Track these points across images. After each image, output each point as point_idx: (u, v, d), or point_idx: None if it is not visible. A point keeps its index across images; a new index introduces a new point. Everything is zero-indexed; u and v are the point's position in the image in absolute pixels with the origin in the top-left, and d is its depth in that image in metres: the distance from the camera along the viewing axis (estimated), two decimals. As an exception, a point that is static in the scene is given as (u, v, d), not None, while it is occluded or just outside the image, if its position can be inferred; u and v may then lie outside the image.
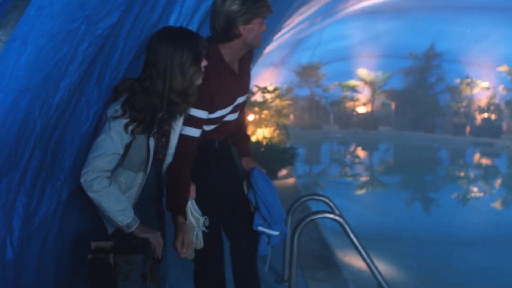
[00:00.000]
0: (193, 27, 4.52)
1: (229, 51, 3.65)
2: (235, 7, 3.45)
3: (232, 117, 3.89)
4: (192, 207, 3.73)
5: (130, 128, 3.20)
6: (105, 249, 3.11)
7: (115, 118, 3.17)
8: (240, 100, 3.88)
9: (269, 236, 3.95)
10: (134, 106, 3.19)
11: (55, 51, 2.65)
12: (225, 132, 3.92)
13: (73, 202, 3.68)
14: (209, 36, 3.67)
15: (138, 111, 3.20)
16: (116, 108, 3.19)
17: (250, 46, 3.68)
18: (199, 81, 3.34)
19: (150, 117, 3.26)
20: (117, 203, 3.19)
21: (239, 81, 3.81)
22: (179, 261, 4.02)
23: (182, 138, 3.58)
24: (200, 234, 3.75)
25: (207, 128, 3.76)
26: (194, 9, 4.35)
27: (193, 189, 3.71)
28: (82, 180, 3.13)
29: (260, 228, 3.94)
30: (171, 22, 4.04)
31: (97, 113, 3.48)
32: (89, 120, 3.46)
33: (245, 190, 4.03)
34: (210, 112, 3.66)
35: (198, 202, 3.75)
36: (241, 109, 4.00)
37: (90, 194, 3.14)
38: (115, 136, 3.19)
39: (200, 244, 3.75)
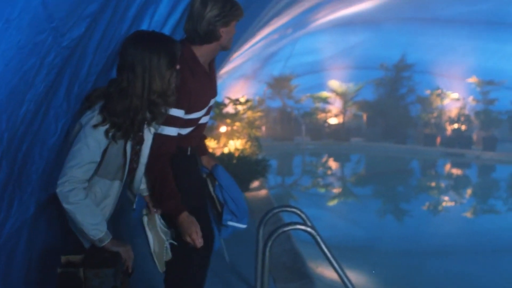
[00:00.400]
0: None
1: (204, 53, 3.74)
2: (216, 11, 3.58)
3: (206, 119, 3.96)
4: (159, 222, 3.74)
5: (110, 134, 3.17)
6: (75, 262, 3.07)
7: (95, 126, 3.14)
8: (212, 102, 3.95)
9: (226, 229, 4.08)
10: (113, 110, 3.16)
11: (22, 63, 2.62)
12: (198, 136, 4.00)
13: (41, 215, 3.63)
14: (183, 38, 3.77)
15: (117, 115, 3.17)
16: (92, 115, 3.16)
17: (224, 48, 3.80)
18: (176, 82, 3.36)
19: (129, 120, 3.22)
20: (91, 216, 3.16)
21: (210, 82, 3.90)
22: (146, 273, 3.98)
23: (162, 138, 3.59)
24: (168, 246, 3.75)
25: (184, 131, 3.80)
26: (163, 22, 4.35)
27: None
28: (58, 190, 3.10)
29: (230, 223, 4.03)
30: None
31: (66, 125, 3.45)
32: (57, 133, 3.42)
33: (210, 188, 4.08)
34: (188, 112, 3.71)
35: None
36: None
37: (65, 206, 3.11)
38: (92, 144, 3.15)
39: (168, 255, 3.75)
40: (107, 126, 3.16)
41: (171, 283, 3.99)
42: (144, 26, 4.07)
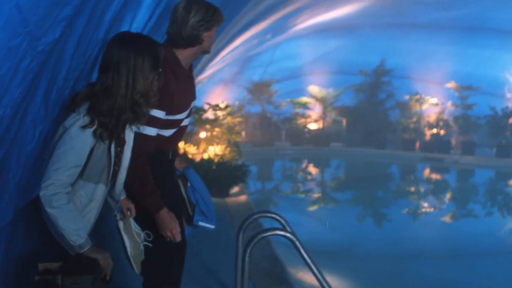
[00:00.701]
0: None
1: (186, 56, 3.82)
2: (199, 16, 3.71)
3: (187, 121, 4.01)
4: (133, 225, 3.77)
5: (98, 133, 3.16)
6: (53, 270, 3.04)
7: (83, 127, 3.12)
8: (192, 104, 4.02)
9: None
10: (99, 110, 3.15)
11: (-3, 68, 2.59)
12: (179, 139, 4.06)
13: (19, 222, 3.59)
14: (165, 41, 3.84)
15: (104, 115, 3.16)
16: (77, 117, 3.14)
17: (205, 52, 3.90)
18: (159, 84, 3.37)
19: (115, 119, 3.22)
20: (73, 222, 3.11)
21: (191, 85, 3.98)
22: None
23: (141, 137, 3.60)
24: (143, 248, 3.78)
25: (167, 133, 3.84)
26: (142, 27, 4.33)
27: (133, 207, 3.76)
28: (41, 193, 3.05)
29: (200, 223, 4.11)
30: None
31: (44, 131, 3.41)
32: (35, 139, 3.38)
33: (182, 189, 4.14)
34: (170, 114, 3.76)
35: (146, 217, 3.76)
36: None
37: (48, 210, 3.06)
38: (78, 146, 3.14)
39: (142, 257, 3.79)
40: (94, 127, 3.14)
41: (151, 285, 3.98)
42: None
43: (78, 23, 3.19)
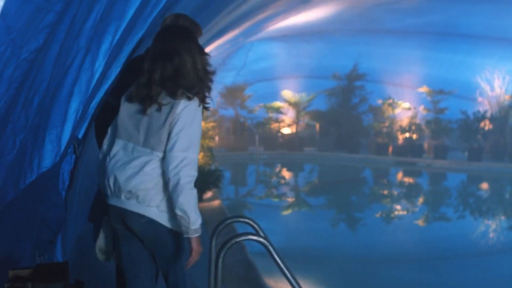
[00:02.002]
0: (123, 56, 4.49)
1: None
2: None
3: None
4: None
5: (202, 108, 3.64)
6: (23, 277, 3.01)
7: (198, 107, 3.57)
8: None
9: None
10: (200, 92, 3.62)
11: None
12: None
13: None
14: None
15: (196, 92, 3.61)
16: (189, 102, 3.52)
17: None
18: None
19: (202, 95, 3.65)
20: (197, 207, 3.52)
21: None
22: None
23: None
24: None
25: None
26: (126, 37, 4.30)
27: None
28: (182, 173, 3.41)
29: None
30: (103, 51, 3.95)
31: (24, 140, 3.35)
32: (15, 148, 3.33)
33: None
34: None
35: None
36: None
37: (188, 189, 3.42)
38: (199, 123, 3.60)
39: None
40: (201, 104, 3.59)
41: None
42: (107, 41, 3.99)
43: (60, 31, 3.16)
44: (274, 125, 24.74)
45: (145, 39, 4.74)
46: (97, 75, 3.88)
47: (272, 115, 24.77)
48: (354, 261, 9.51)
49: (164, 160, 3.50)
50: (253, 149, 23.52)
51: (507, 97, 22.29)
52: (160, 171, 3.52)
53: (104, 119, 4.15)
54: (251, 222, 4.79)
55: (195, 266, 3.85)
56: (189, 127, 3.50)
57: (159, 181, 3.52)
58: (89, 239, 6.64)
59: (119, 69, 4.43)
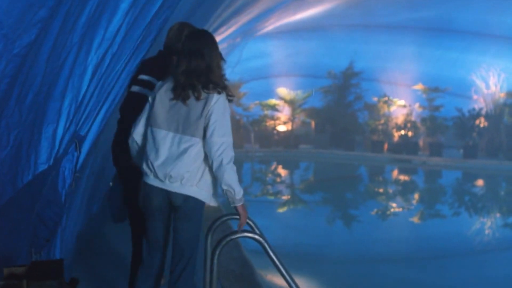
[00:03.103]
0: (114, 48, 4.50)
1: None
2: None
3: None
4: None
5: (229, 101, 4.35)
6: (18, 274, 3.00)
7: (228, 101, 4.32)
8: None
9: None
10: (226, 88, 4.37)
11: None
12: None
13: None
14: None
15: (221, 87, 4.35)
16: (219, 96, 4.25)
17: None
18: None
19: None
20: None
21: None
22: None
23: None
24: None
25: None
26: (116, 32, 4.29)
27: None
28: (224, 154, 4.16)
29: None
30: (95, 44, 3.96)
31: (18, 136, 3.35)
32: (9, 144, 3.32)
33: None
34: None
35: None
36: None
37: (230, 168, 4.20)
38: (229, 114, 4.32)
39: None
40: (227, 98, 4.31)
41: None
42: (99, 36, 3.99)
43: (53, 27, 3.15)
44: (270, 123, 24.73)
45: (145, 39, 4.79)
46: (89, 69, 3.89)
47: (268, 112, 24.77)
48: (349, 259, 9.52)
49: (205, 146, 4.21)
50: (248, 146, 23.50)
51: (502, 94, 22.33)
52: (199, 155, 4.23)
53: (131, 109, 4.76)
54: (247, 220, 4.79)
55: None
56: (223, 116, 4.22)
57: (199, 164, 4.25)
58: (89, 237, 6.65)
59: (119, 61, 4.49)
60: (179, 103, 4.25)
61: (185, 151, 4.21)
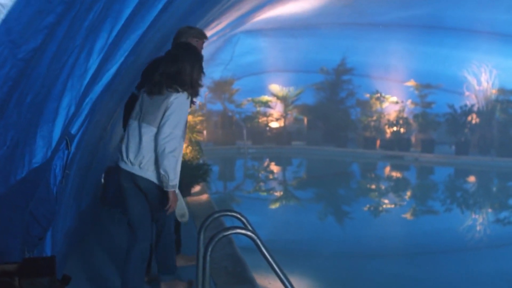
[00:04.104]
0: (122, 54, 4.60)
1: None
2: (196, 32, 5.90)
3: None
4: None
5: (190, 101, 5.06)
6: (10, 272, 2.99)
7: (187, 98, 4.99)
8: None
9: None
10: (190, 87, 5.04)
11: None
12: None
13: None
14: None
15: (187, 89, 5.02)
16: (179, 94, 4.93)
17: None
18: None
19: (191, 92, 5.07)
20: (177, 168, 4.98)
21: None
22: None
23: None
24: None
25: None
26: (121, 36, 4.30)
27: None
28: (163, 142, 4.80)
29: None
30: (98, 48, 3.97)
31: (15, 137, 3.34)
32: (6, 144, 3.32)
33: None
34: None
35: None
36: None
37: (170, 155, 4.81)
38: (186, 110, 5.00)
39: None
40: (189, 97, 5.02)
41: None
42: (102, 39, 4.01)
43: (58, 31, 3.15)
44: (262, 119, 24.73)
45: (145, 38, 4.78)
46: (91, 72, 3.90)
47: (260, 109, 24.77)
48: (341, 255, 9.54)
49: (156, 134, 4.86)
50: (241, 143, 23.51)
51: (494, 91, 22.38)
52: (154, 144, 4.89)
53: (130, 108, 5.42)
54: (239, 216, 4.81)
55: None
56: (178, 111, 4.88)
57: (153, 152, 4.92)
58: (78, 234, 6.64)
59: (116, 65, 4.55)
60: (149, 99, 5.04)
61: (142, 137, 4.95)
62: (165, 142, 4.78)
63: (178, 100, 4.90)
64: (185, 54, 5.08)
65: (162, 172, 4.82)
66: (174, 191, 4.96)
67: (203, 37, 5.92)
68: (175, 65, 5.00)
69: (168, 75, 4.97)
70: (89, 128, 5.18)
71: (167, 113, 4.85)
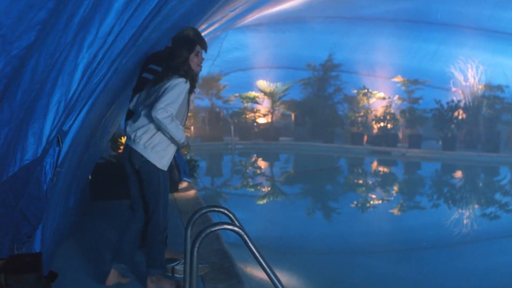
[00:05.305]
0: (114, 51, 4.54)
1: None
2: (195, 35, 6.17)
3: None
4: None
5: (188, 85, 5.39)
6: (-4, 268, 2.97)
7: (185, 82, 5.33)
8: None
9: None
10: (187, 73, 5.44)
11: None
12: None
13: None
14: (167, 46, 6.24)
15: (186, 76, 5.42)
16: (179, 78, 5.31)
17: None
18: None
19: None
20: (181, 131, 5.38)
21: None
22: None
23: None
24: None
25: None
26: (109, 31, 4.28)
27: None
28: (160, 116, 5.11)
29: (184, 178, 8.31)
30: (87, 43, 3.94)
31: (10, 133, 3.32)
32: (0, 141, 3.29)
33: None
34: None
35: None
36: None
37: (168, 125, 5.17)
38: (184, 92, 5.32)
39: None
40: (188, 82, 5.36)
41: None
42: (91, 34, 3.98)
43: (50, 27, 3.13)
44: (250, 115, 24.72)
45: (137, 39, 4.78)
46: (80, 67, 3.87)
47: (248, 105, 24.77)
48: (329, 251, 9.55)
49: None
50: (228, 139, 23.49)
51: (480, 86, 22.48)
52: (151, 120, 5.26)
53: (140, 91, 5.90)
54: (226, 212, 4.80)
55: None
56: (173, 92, 5.21)
57: (151, 127, 5.34)
58: (67, 231, 6.61)
59: (108, 60, 4.50)
60: (151, 88, 5.50)
61: (140, 113, 5.43)
62: (156, 113, 5.10)
63: (175, 82, 5.27)
64: (178, 47, 5.52)
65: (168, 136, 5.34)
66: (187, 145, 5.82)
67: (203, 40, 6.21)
68: (173, 56, 5.44)
69: (170, 67, 5.41)
70: (82, 126, 5.16)
71: (164, 91, 5.22)
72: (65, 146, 4.73)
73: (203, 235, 4.06)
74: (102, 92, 5.15)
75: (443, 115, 22.12)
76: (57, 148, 4.39)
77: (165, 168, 5.46)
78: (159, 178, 5.43)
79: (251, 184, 16.77)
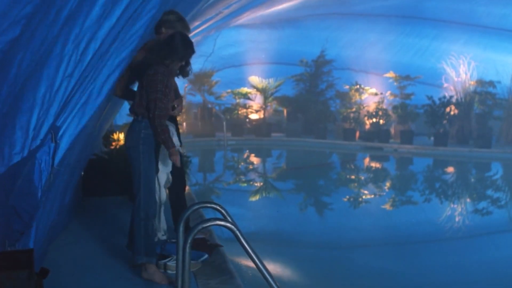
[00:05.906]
0: (97, 42, 4.48)
1: None
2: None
3: None
4: None
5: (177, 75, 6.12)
6: (-13, 265, 2.96)
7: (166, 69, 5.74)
8: None
9: None
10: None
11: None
12: None
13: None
14: None
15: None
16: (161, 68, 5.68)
17: None
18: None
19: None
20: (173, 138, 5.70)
21: None
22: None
23: None
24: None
25: None
26: (96, 25, 4.26)
27: None
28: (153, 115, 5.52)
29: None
30: (73, 36, 3.91)
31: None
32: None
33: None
34: None
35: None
36: None
37: (161, 123, 5.56)
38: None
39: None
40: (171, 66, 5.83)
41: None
42: (77, 29, 3.96)
43: (36, 21, 3.11)
44: (242, 111, 24.69)
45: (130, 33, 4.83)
46: (65, 60, 3.85)
47: (240, 101, 24.73)
48: (321, 246, 9.57)
49: None
50: (220, 135, 23.45)
51: (472, 82, 22.52)
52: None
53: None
54: (218, 208, 4.81)
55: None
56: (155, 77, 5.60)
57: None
58: (61, 227, 6.60)
59: (97, 57, 4.45)
60: None
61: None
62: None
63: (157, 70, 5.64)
64: (172, 46, 5.80)
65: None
66: (173, 150, 5.66)
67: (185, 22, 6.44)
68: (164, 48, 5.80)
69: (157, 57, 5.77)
70: (85, 125, 5.13)
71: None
72: (65, 145, 4.70)
73: (196, 231, 4.07)
74: (101, 89, 5.11)
75: (435, 111, 22.13)
76: (52, 145, 4.36)
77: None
78: (137, 152, 5.65)
79: (243, 179, 16.76)
